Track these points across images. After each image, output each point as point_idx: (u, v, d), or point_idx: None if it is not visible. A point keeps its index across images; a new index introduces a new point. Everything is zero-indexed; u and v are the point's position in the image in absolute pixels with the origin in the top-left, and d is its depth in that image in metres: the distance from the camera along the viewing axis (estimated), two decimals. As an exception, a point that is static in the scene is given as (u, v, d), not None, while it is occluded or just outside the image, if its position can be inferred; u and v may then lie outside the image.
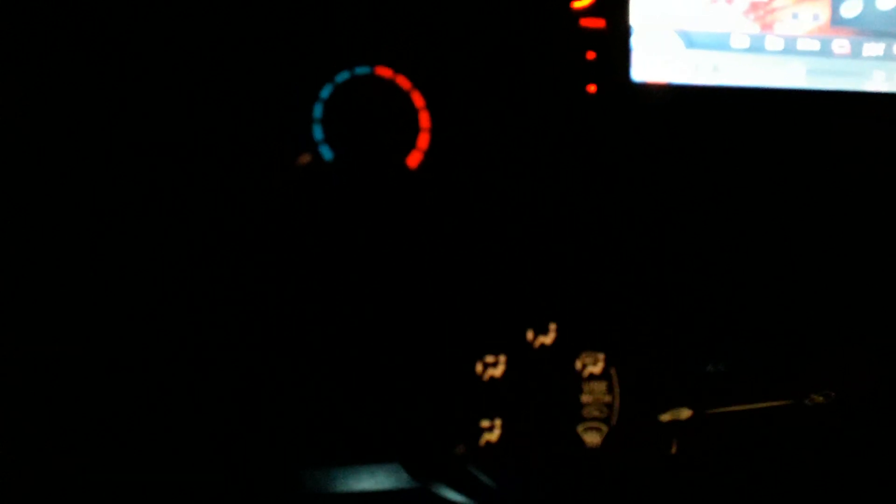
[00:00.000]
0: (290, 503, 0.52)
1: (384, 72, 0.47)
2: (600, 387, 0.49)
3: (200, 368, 0.47)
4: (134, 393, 0.46)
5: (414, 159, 0.48)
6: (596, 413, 0.49)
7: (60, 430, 0.45)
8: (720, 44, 0.54)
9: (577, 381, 0.49)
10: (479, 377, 0.47)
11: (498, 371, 0.48)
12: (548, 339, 0.49)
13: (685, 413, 0.52)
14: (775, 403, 0.55)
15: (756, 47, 0.55)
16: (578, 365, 0.49)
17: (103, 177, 0.45)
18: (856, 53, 0.57)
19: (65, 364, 0.45)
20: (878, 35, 0.57)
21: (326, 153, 0.47)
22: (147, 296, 0.46)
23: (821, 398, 0.56)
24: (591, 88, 0.51)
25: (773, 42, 0.55)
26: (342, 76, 0.47)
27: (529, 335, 0.48)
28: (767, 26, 0.55)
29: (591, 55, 0.51)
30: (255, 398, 0.47)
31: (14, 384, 0.45)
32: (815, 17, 0.56)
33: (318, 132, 0.46)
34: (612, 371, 0.49)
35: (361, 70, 0.47)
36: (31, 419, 0.45)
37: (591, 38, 0.51)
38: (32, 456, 0.45)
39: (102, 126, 0.45)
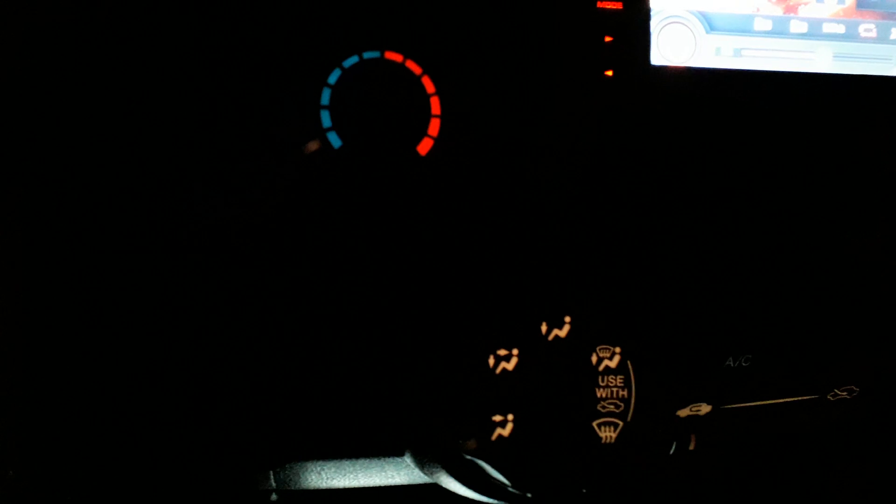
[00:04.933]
0: (298, 496, 0.51)
1: (394, 56, 0.47)
2: (616, 381, 0.49)
3: (206, 358, 0.46)
4: (137, 385, 0.46)
5: (425, 146, 0.47)
6: (611, 408, 0.48)
7: (61, 428, 0.45)
8: (742, 27, 0.53)
9: (593, 375, 0.48)
10: (492, 370, 0.47)
11: (511, 364, 0.47)
12: (562, 332, 0.48)
13: (704, 408, 0.51)
14: (797, 399, 0.54)
15: (779, 30, 0.54)
16: (594, 359, 0.48)
17: (105, 167, 0.45)
18: (882, 37, 0.56)
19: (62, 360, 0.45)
20: (907, 18, 0.56)
21: (334, 140, 0.46)
22: (151, 286, 0.46)
23: (844, 393, 0.55)
24: (609, 73, 0.50)
25: (797, 25, 0.54)
26: (350, 61, 0.46)
27: (543, 328, 0.48)
28: (791, 9, 0.54)
29: (608, 38, 0.50)
30: (264, 390, 0.47)
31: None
32: (841, 0, 0.55)
33: (325, 119, 0.46)
34: (629, 365, 0.49)
35: (370, 54, 0.46)
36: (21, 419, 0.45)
37: (609, 20, 0.50)
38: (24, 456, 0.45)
39: (104, 116, 0.45)
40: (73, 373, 0.45)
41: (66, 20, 0.44)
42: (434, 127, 0.47)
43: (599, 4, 0.50)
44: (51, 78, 0.44)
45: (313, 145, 0.46)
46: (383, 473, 0.51)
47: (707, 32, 0.53)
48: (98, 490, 0.46)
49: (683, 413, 0.50)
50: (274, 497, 0.52)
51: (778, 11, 0.54)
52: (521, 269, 0.49)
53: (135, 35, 0.45)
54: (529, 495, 0.48)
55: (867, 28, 0.55)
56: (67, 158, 0.45)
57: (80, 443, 0.45)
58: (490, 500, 0.49)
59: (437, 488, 0.50)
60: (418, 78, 0.47)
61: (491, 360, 0.47)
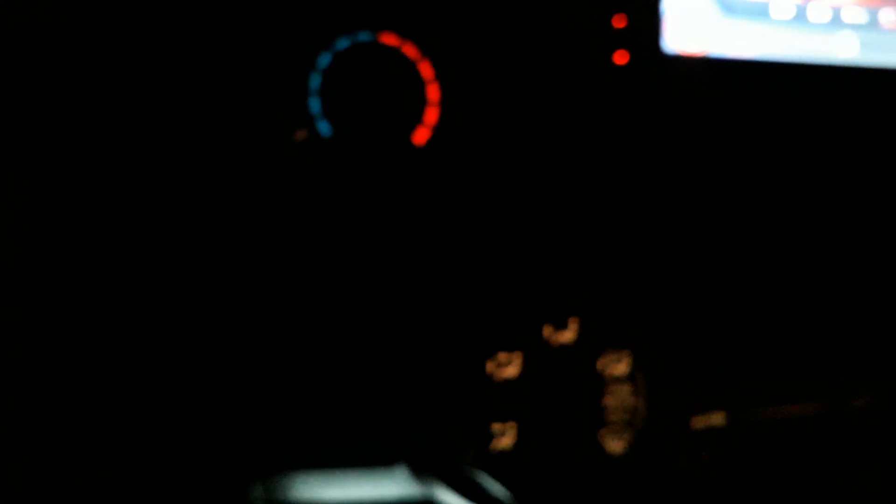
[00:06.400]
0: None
1: (389, 39, 0.45)
2: (625, 389, 0.48)
3: (191, 361, 0.45)
4: (123, 391, 0.45)
5: (421, 136, 0.46)
6: (619, 418, 0.48)
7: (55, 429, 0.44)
8: (760, 12, 0.52)
9: (600, 382, 0.48)
10: (492, 377, 0.46)
11: (512, 371, 0.47)
12: (567, 337, 0.47)
13: (718, 418, 0.50)
14: (816, 408, 0.53)
15: (799, 17, 0.53)
16: (601, 365, 0.48)
17: (86, 160, 0.44)
18: (907, 26, 0.55)
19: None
20: (932, 7, 0.55)
21: (324, 128, 0.45)
22: (133, 285, 0.44)
23: (865, 401, 0.54)
24: (619, 59, 0.49)
25: (818, 12, 0.53)
26: (342, 43, 0.45)
27: (547, 332, 0.47)
28: (811, -6, 0.53)
29: (618, 22, 0.49)
30: (251, 396, 0.46)
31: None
32: (864, -13, 0.54)
33: (314, 105, 0.44)
34: (639, 371, 0.48)
35: (364, 37, 0.45)
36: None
37: (619, 3, 0.49)
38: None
39: (85, 106, 0.44)
40: (58, 375, 0.44)
41: (48, 12, 0.43)
42: (431, 116, 0.46)
43: (609, -14, 0.49)
44: (31, 69, 0.43)
45: (301, 134, 0.44)
46: (376, 486, 0.49)
47: (723, 17, 0.51)
48: (81, 497, 0.44)
49: (697, 423, 0.50)
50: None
51: (798, -3, 0.53)
52: (523, 268, 0.48)
53: (118, 21, 0.44)
54: (531, 510, 0.47)
55: (889, 17, 0.54)
56: (47, 148, 0.43)
57: (64, 447, 0.44)
58: (489, 515, 0.48)
59: (433, 502, 0.48)
60: (415, 63, 0.46)
61: (491, 366, 0.46)
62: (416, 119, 0.45)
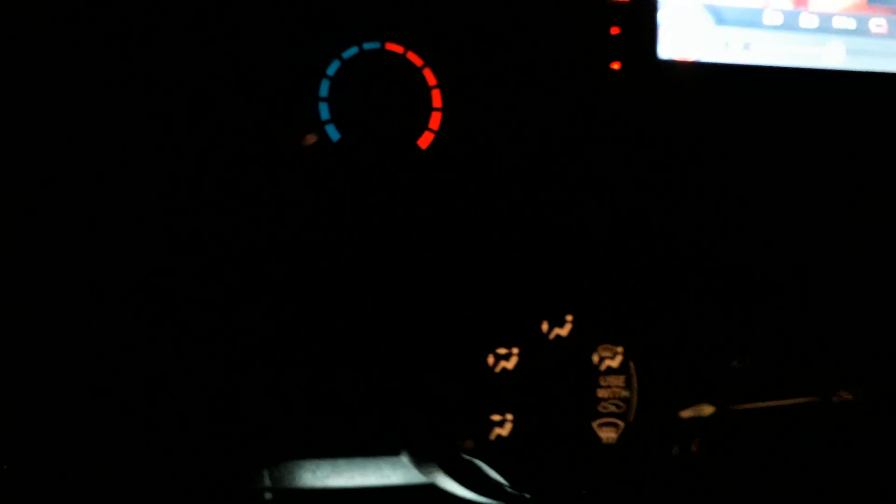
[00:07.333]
0: (291, 496, 0.51)
1: (395, 47, 0.46)
2: (618, 381, 0.48)
3: (200, 355, 0.46)
4: (131, 383, 0.45)
5: (425, 140, 0.46)
6: (612, 408, 0.48)
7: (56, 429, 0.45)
8: (752, 20, 0.52)
9: (594, 374, 0.48)
10: (491, 369, 0.47)
11: (510, 363, 0.47)
12: (563, 331, 0.48)
13: (707, 410, 0.51)
14: (802, 400, 0.53)
15: (789, 24, 0.53)
16: (595, 358, 0.48)
17: (97, 160, 0.45)
18: (894, 33, 0.55)
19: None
20: (919, 15, 0.55)
21: (333, 133, 0.45)
22: (144, 283, 0.45)
23: (849, 395, 0.54)
24: (615, 66, 0.50)
25: (808, 19, 0.53)
26: (350, 52, 0.45)
27: (544, 326, 0.47)
28: (801, 2, 0.53)
29: (615, 30, 0.49)
30: (258, 387, 0.47)
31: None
32: (852, -6, 0.54)
33: (324, 111, 0.45)
34: (631, 365, 0.48)
35: (370, 45, 0.45)
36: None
37: (616, 11, 0.49)
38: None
39: (95, 109, 0.44)
40: (67, 369, 0.44)
41: (61, 14, 0.44)
42: (435, 120, 0.46)
43: (606, -5, 0.49)
44: (41, 72, 0.44)
45: (311, 138, 0.45)
46: (379, 473, 0.50)
47: (716, 25, 0.52)
48: (90, 487, 0.45)
49: (686, 414, 0.50)
50: (268, 496, 0.52)
51: (788, 5, 0.53)
52: (523, 266, 0.49)
53: (130, 25, 0.44)
54: (528, 496, 0.47)
55: (878, 23, 0.55)
56: (59, 152, 0.44)
57: (73, 438, 0.45)
58: (488, 501, 0.48)
59: (434, 489, 0.49)
60: (419, 70, 0.46)
61: (490, 359, 0.47)
62: (421, 124, 0.46)
